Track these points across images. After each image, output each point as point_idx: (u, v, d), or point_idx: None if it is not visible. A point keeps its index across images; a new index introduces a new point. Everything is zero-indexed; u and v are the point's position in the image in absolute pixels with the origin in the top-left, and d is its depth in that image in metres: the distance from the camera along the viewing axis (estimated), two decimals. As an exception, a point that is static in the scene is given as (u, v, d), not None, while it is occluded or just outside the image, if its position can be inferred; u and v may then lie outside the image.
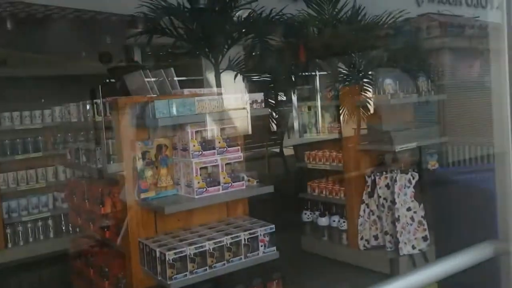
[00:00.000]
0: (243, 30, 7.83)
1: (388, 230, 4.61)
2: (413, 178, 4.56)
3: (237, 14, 7.75)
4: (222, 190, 3.24)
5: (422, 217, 4.58)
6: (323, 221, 5.08)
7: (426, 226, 4.59)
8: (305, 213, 5.26)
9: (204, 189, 3.16)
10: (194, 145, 3.12)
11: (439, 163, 4.84)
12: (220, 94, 3.42)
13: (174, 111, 2.96)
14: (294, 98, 8.14)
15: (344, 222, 4.86)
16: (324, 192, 5.06)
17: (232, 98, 3.20)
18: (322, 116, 5.79)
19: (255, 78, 8.89)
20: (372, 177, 4.61)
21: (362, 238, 4.74)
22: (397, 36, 8.29)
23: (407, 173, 4.54)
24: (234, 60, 8.49)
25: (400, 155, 4.56)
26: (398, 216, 4.46)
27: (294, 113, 6.97)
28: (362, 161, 4.69)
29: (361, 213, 4.71)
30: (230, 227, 3.32)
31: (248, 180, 3.44)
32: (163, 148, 3.27)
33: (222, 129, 3.28)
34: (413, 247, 4.52)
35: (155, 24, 6.33)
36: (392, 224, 4.54)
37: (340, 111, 4.77)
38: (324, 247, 5.09)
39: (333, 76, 7.28)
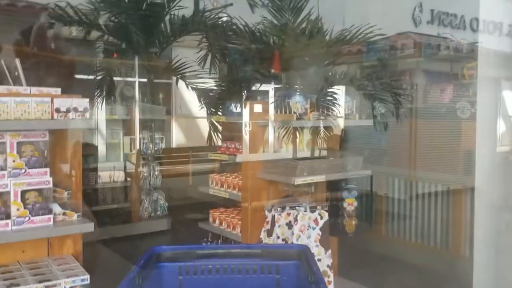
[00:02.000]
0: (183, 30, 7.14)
1: (285, 279, 3.77)
2: (321, 218, 3.74)
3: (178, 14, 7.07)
4: (13, 225, 2.42)
5: (327, 266, 3.76)
6: (219, 259, 4.24)
7: (331, 278, 3.76)
8: (203, 247, 4.43)
9: (-18, 223, 2.34)
10: (-32, 163, 2.31)
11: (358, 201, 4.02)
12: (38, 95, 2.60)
13: None
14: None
15: (238, 263, 4.03)
16: (223, 224, 4.23)
17: (33, 102, 2.38)
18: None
19: (203, 85, 8.16)
20: (273, 213, 3.78)
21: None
22: (364, 53, 7.55)
23: (313, 211, 3.72)
24: (174, 63, 7.74)
25: (307, 189, 3.75)
26: (296, 264, 3.63)
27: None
28: (263, 192, 3.87)
29: (257, 254, 3.88)
30: (30, 273, 2.50)
31: (64, 213, 2.62)
32: None
33: (25, 143, 2.47)
34: (313, 303, 3.69)
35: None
36: (290, 272, 3.71)
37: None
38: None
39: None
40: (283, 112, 3.72)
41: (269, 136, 3.96)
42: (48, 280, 2.42)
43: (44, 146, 2.49)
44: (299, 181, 3.54)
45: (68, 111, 2.46)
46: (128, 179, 6.84)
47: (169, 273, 1.54)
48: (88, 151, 6.30)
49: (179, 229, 6.64)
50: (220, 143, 7.18)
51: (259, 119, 3.78)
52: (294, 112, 3.66)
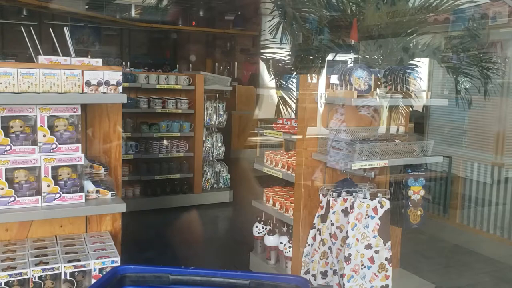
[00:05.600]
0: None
1: (338, 270, 3.51)
2: (382, 207, 3.40)
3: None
4: (44, 202, 2.35)
5: (386, 259, 3.43)
6: (271, 241, 4.05)
7: (389, 272, 3.44)
8: (257, 226, 4.25)
9: (12, 198, 2.28)
10: (-3, 137, 2.23)
11: (426, 190, 3.60)
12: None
13: None
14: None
15: (290, 247, 3.81)
16: (276, 205, 4.01)
17: (63, 75, 2.24)
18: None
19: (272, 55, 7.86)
20: (328, 197, 3.50)
21: (307, 272, 3.67)
22: (451, 22, 6.92)
23: (373, 199, 3.39)
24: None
25: (367, 174, 3.41)
26: (349, 254, 3.34)
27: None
28: (319, 173, 3.58)
29: (310, 240, 3.63)
30: (62, 251, 2.43)
31: (98, 191, 2.52)
32: (-23, 135, 2.41)
33: (58, 118, 2.35)
34: (367, 298, 3.41)
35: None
36: (343, 262, 3.43)
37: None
38: (270, 273, 4.08)
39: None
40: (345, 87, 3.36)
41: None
42: (78, 260, 2.33)
43: (77, 120, 2.37)
44: (356, 165, 3.21)
45: (99, 84, 2.31)
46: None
47: (134, 300, 1.32)
48: (153, 120, 6.30)
49: (240, 203, 6.54)
50: (293, 116, 6.88)
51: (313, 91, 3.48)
52: (356, 89, 3.29)
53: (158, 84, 6.11)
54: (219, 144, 6.57)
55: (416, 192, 3.60)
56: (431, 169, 5.65)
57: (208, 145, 6.51)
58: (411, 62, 6.51)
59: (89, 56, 2.80)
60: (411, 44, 6.75)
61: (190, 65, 8.01)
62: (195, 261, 4.35)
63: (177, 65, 7.41)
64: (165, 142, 6.31)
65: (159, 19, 10.04)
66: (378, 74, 3.60)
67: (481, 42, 6.39)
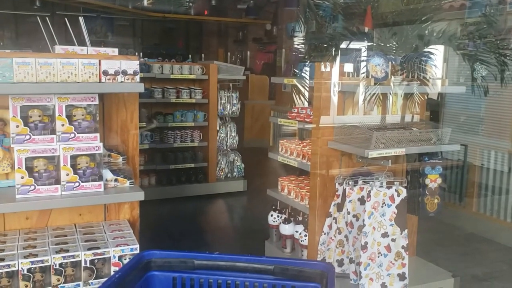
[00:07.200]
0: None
1: (354, 258, 3.50)
2: (399, 195, 3.38)
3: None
4: (63, 191, 2.37)
5: (402, 247, 3.42)
6: (286, 229, 4.05)
7: (406, 260, 3.42)
8: (272, 215, 4.26)
9: (32, 187, 2.31)
10: (17, 126, 2.25)
11: (442, 179, 3.57)
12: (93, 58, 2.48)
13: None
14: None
15: (306, 235, 3.81)
16: (291, 194, 4.01)
17: (80, 64, 2.25)
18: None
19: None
20: (344, 186, 3.48)
21: (323, 261, 3.67)
22: (467, 8, 6.80)
23: (390, 187, 3.37)
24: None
25: (383, 162, 3.39)
26: (366, 242, 3.34)
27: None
28: (334, 163, 3.57)
29: (326, 229, 3.63)
30: (82, 239, 2.46)
31: (116, 180, 2.53)
32: (-3, 124, 2.44)
33: (76, 107, 2.37)
34: (384, 286, 3.40)
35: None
36: (360, 251, 3.43)
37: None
38: (285, 261, 4.09)
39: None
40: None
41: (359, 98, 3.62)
42: (97, 248, 2.36)
43: (95, 110, 2.39)
44: (373, 154, 3.19)
45: (116, 73, 2.32)
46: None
47: (160, 285, 1.32)
48: (167, 110, 6.32)
49: (254, 192, 6.56)
50: (306, 105, 6.85)
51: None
52: (372, 76, 3.27)
53: (172, 74, 6.12)
54: (233, 134, 6.58)
55: (433, 180, 3.57)
56: (446, 157, 5.60)
57: (222, 135, 6.52)
58: (426, 49, 6.43)
59: (102, 46, 2.81)
60: (426, 31, 6.66)
61: (203, 54, 8.00)
62: (211, 250, 4.39)
63: (190, 55, 7.40)
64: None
65: (171, 9, 10.03)
66: (394, 62, 3.56)
67: (498, 28, 6.27)
